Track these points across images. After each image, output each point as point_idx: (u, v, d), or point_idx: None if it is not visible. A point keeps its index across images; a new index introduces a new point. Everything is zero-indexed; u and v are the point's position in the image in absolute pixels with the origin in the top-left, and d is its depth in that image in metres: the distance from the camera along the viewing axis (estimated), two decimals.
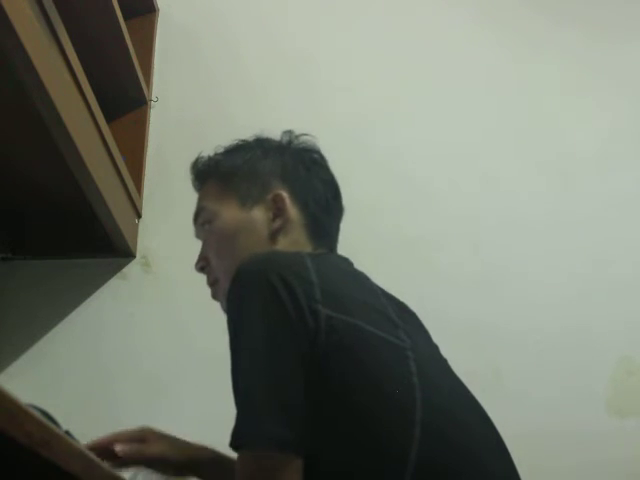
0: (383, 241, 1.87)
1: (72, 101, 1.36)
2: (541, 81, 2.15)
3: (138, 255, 1.84)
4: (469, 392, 0.96)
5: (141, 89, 1.94)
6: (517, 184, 2.02)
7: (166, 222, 1.88)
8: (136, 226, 1.86)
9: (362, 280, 1.00)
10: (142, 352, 1.74)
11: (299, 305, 0.83)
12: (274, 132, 1.16)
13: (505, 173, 2.03)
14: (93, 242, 1.78)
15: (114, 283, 1.82)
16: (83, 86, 1.39)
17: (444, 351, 1.02)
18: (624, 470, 1.69)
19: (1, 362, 1.69)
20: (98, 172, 1.50)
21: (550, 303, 1.87)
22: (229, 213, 1.07)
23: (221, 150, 1.15)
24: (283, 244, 1.04)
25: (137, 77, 1.90)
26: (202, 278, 1.15)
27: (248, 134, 1.16)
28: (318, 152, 1.14)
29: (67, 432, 0.86)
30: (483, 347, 1.80)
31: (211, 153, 1.15)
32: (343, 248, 1.13)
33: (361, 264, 1.06)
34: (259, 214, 1.06)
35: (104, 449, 1.04)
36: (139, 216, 1.87)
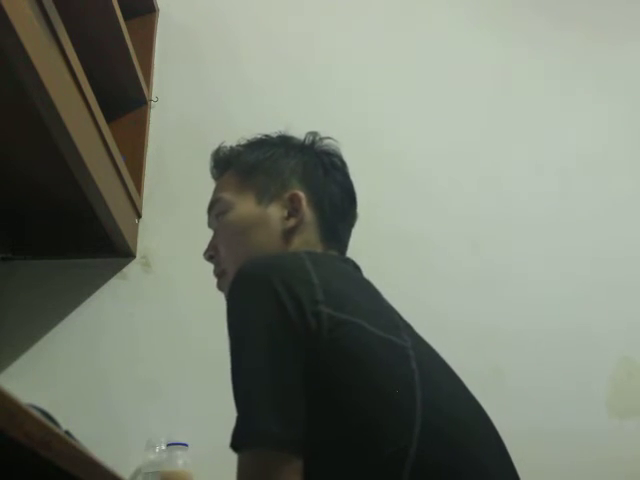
0: (383, 240, 1.87)
1: (72, 101, 1.36)
2: (541, 81, 2.16)
3: (138, 255, 1.84)
4: (469, 392, 0.96)
5: (141, 89, 1.94)
6: (517, 184, 2.02)
7: (166, 222, 1.88)
8: (136, 226, 1.86)
9: (365, 284, 1.00)
10: (142, 352, 1.74)
11: (301, 308, 0.83)
12: (274, 132, 1.16)
13: (505, 173, 2.03)
14: (93, 242, 1.78)
15: (114, 283, 1.81)
16: (83, 86, 1.39)
17: (444, 351, 1.02)
18: (624, 470, 1.69)
19: (1, 362, 1.69)
20: (98, 172, 1.50)
21: (550, 303, 1.87)
22: (245, 207, 1.07)
23: (244, 142, 1.14)
24: (295, 243, 1.04)
25: (137, 77, 1.90)
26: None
27: (248, 134, 1.16)
28: (340, 157, 1.14)
29: (67, 432, 0.86)
30: (483, 347, 1.80)
31: (234, 143, 1.14)
32: None
33: (361, 263, 1.06)
34: (274, 211, 1.05)
35: None
36: (139, 216, 1.87)
